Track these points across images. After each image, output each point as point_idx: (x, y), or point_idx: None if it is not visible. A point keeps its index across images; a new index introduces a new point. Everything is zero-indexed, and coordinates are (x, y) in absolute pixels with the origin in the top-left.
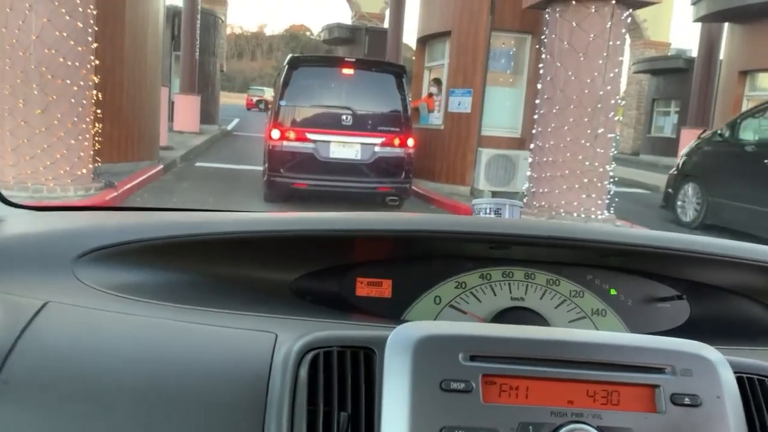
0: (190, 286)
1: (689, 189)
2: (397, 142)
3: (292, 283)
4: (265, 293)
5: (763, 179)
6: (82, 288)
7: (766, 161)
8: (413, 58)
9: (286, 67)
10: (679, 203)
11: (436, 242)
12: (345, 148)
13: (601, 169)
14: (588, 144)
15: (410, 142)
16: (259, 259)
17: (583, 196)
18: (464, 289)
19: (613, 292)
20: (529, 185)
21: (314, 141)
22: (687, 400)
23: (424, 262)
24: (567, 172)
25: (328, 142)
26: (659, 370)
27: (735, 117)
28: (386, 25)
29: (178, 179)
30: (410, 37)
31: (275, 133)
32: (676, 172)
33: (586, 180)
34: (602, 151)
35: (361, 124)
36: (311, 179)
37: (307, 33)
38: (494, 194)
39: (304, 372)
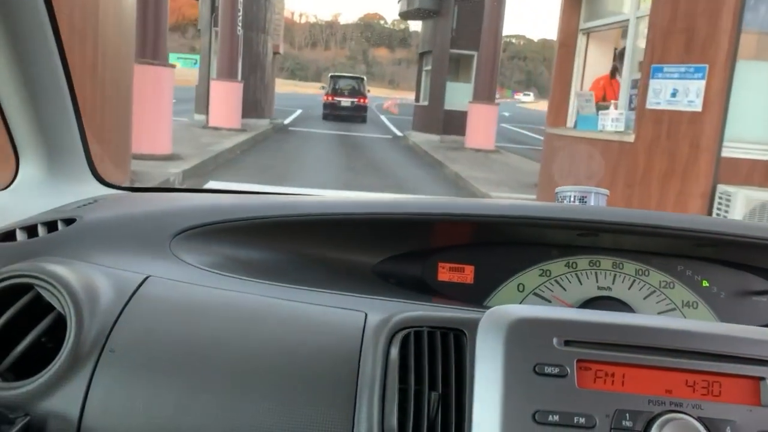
0: (279, 265)
1: None
2: (361, 101)
3: (375, 265)
4: (350, 274)
5: None
6: (180, 264)
7: None
8: (514, 41)
9: (329, 77)
10: None
11: (520, 228)
12: (347, 102)
13: None
14: None
15: (364, 101)
16: (345, 241)
17: None
18: (549, 277)
19: (705, 283)
20: None
21: (336, 99)
22: None
23: (507, 249)
24: None
25: (341, 99)
26: (764, 362)
27: None
28: None
29: None
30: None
31: (327, 98)
32: None
33: None
34: None
35: (350, 95)
36: (335, 112)
37: (381, 21)
38: None
39: (395, 351)
